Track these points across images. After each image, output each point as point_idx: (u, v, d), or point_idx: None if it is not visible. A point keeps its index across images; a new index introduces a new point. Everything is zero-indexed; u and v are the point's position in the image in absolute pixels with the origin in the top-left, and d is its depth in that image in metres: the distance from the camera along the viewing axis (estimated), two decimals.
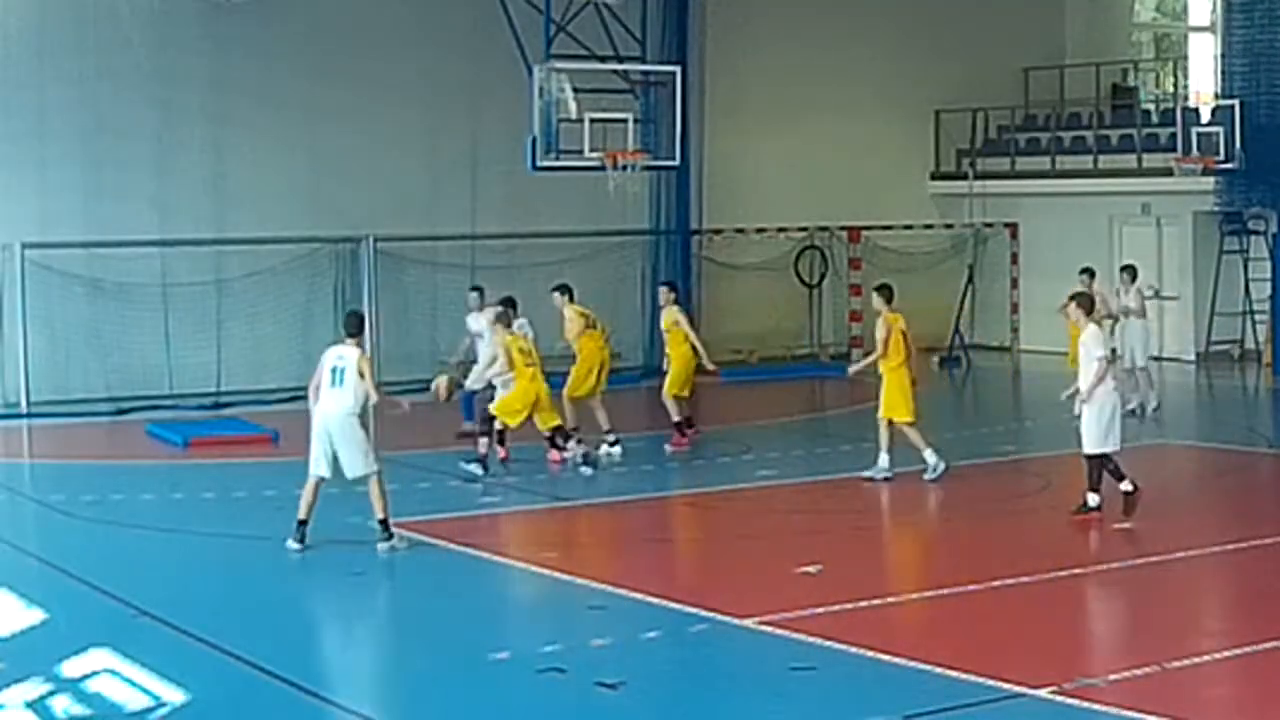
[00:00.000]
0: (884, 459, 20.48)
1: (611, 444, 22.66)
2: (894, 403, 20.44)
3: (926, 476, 20.40)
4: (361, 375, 16.88)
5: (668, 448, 22.97)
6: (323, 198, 29.89)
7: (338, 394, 16.97)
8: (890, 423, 20.50)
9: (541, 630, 14.05)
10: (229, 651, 13.38)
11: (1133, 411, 25.53)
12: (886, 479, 20.32)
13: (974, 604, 14.82)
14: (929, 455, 20.50)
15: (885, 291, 20.91)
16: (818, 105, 35.16)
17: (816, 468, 21.38)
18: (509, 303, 22.15)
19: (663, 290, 24.31)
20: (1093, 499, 17.88)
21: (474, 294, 24.32)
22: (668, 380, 23.18)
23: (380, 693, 12.51)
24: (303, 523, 17.26)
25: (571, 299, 23.60)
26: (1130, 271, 26.67)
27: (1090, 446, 17.90)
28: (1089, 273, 26.06)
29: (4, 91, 27.60)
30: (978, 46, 36.65)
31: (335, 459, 17.05)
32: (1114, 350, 25.81)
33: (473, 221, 31.45)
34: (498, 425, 21.30)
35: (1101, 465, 17.91)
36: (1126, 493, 17.77)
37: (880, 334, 20.49)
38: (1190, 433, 25.86)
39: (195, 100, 28.92)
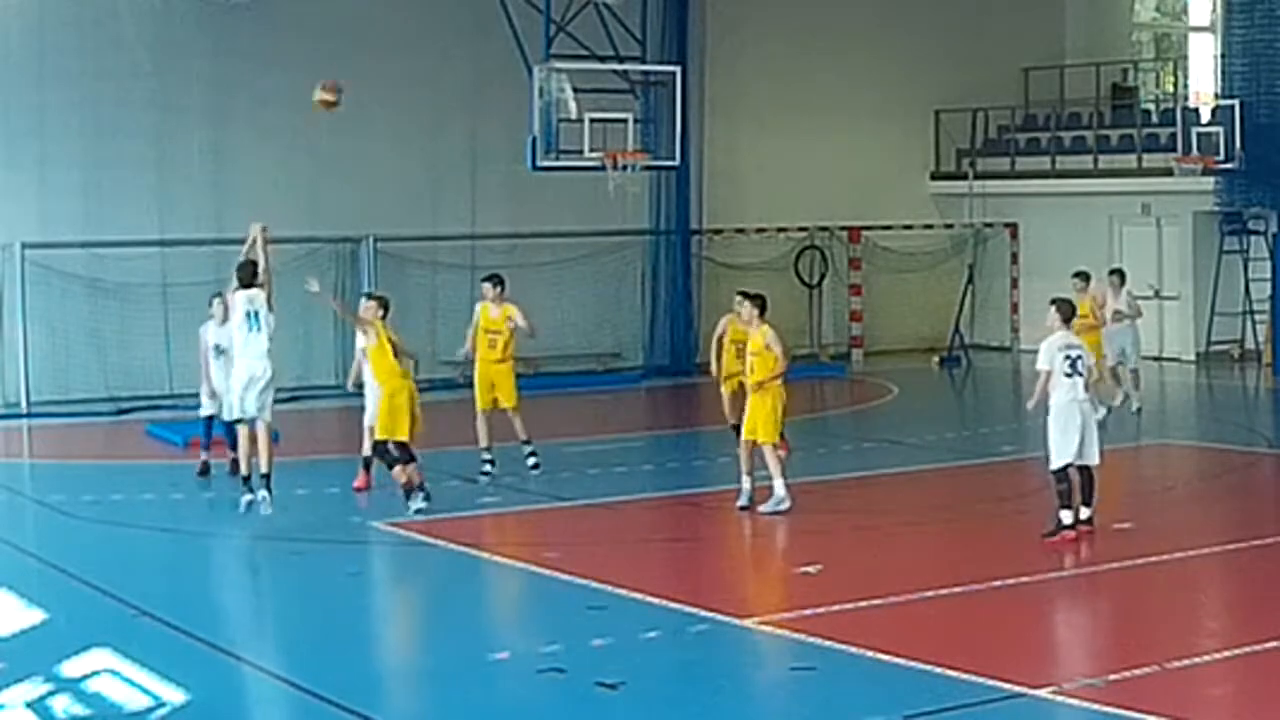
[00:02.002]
0: (780, 486, 18.93)
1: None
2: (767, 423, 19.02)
3: (765, 509, 18.89)
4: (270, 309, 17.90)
5: None
6: (323, 198, 29.90)
7: (257, 338, 17.79)
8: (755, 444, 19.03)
9: (541, 630, 14.04)
10: (228, 651, 13.39)
11: (1109, 410, 25.33)
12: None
13: (974, 604, 14.81)
14: (780, 487, 18.95)
15: (760, 301, 19.27)
16: (818, 105, 35.16)
17: (816, 468, 21.35)
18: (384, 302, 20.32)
19: (486, 286, 21.45)
20: (1065, 516, 17.08)
21: (217, 299, 20.96)
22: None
23: (380, 692, 12.50)
24: (246, 479, 17.74)
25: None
26: (1119, 275, 26.59)
27: (1051, 461, 17.14)
28: (1083, 276, 25.88)
29: (4, 92, 27.63)
30: (978, 46, 36.65)
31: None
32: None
33: (473, 221, 31.46)
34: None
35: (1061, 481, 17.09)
36: (1064, 524, 16.99)
37: (777, 349, 19.47)
38: (1190, 433, 25.84)
39: (195, 100, 28.94)
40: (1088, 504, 17.11)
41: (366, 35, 30.37)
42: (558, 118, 25.15)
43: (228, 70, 29.07)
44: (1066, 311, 17.59)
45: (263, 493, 17.80)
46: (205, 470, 20.98)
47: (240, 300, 18.02)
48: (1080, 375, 17.10)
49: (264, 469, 17.89)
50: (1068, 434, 16.99)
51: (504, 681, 12.67)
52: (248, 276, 18.21)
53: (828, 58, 35.32)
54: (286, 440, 23.95)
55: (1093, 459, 17.08)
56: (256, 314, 17.78)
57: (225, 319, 20.28)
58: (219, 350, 20.68)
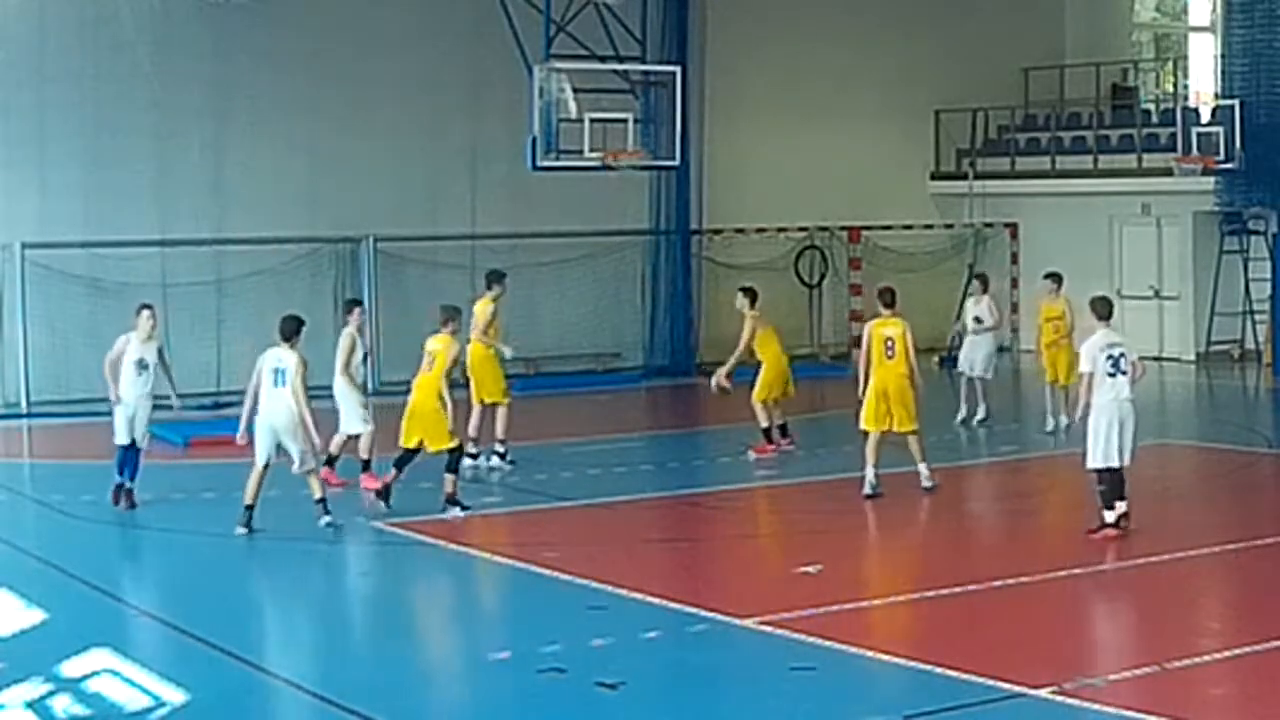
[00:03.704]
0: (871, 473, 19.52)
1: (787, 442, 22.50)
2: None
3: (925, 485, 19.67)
4: (302, 382, 17.67)
5: (752, 454, 22.50)
6: (323, 198, 29.86)
7: (282, 394, 17.71)
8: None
9: (542, 630, 14.01)
10: (229, 651, 13.36)
11: (964, 421, 25.09)
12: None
13: (974, 604, 14.80)
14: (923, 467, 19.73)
15: (888, 295, 20.12)
16: (818, 105, 35.12)
17: (816, 468, 21.34)
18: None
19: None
20: (1107, 515, 16.91)
21: (147, 311, 20.19)
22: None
23: (381, 692, 12.47)
24: (249, 508, 17.81)
25: (754, 304, 22.77)
26: (983, 281, 26.33)
27: (1087, 460, 17.03)
28: (1056, 278, 25.32)
29: (5, 92, 27.56)
30: (978, 46, 36.62)
31: (278, 450, 17.90)
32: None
33: (473, 221, 31.41)
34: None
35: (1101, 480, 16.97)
36: (1106, 522, 16.91)
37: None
38: (1190, 433, 25.81)
39: (195, 100, 28.89)
40: (1111, 505, 16.92)
41: (366, 35, 30.35)
42: (558, 118, 25.09)
43: (228, 70, 29.03)
44: (1103, 309, 17.22)
45: (325, 519, 17.91)
46: (122, 499, 19.53)
47: (270, 358, 17.96)
48: (1123, 374, 16.77)
49: (318, 495, 18.03)
50: (1108, 435, 16.73)
51: (504, 681, 12.67)
52: (289, 331, 18.09)
53: (828, 58, 35.28)
54: None
55: (1125, 459, 16.86)
56: (283, 372, 17.77)
57: (150, 335, 20.05)
58: (141, 366, 19.88)
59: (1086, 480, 17.40)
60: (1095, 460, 16.84)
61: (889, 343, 19.48)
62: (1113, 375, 16.74)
